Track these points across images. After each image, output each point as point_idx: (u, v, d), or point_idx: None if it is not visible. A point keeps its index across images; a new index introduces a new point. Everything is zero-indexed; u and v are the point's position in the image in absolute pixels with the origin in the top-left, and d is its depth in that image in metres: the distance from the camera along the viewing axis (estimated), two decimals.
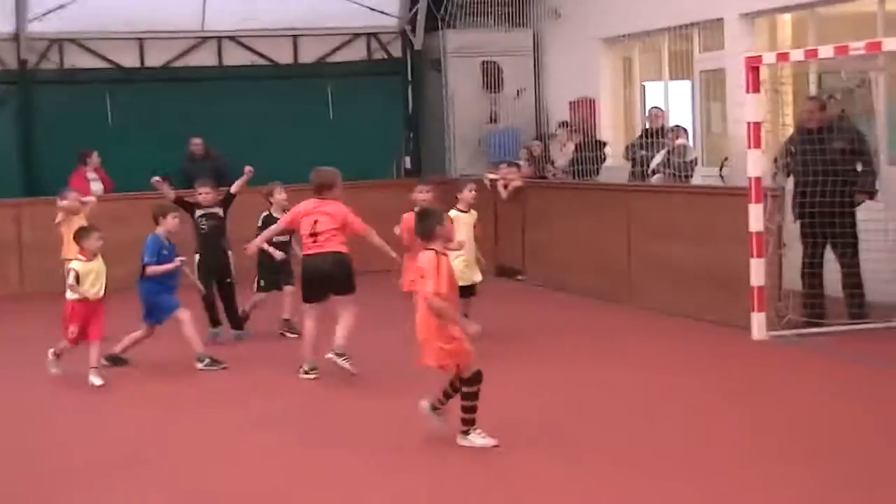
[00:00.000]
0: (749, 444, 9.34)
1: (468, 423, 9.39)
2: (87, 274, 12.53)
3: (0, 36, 22.69)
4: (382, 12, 24.78)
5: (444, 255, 9.35)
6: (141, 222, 19.52)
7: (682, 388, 11.34)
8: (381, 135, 24.46)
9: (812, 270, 14.10)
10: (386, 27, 25.05)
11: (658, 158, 18.34)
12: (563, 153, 20.99)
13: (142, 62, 23.83)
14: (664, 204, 15.97)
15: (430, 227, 9.43)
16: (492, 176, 19.68)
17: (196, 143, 22.18)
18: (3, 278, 19.99)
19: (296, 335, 14.10)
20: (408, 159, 24.92)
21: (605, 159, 20.05)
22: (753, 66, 13.80)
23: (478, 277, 13.87)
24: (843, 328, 13.74)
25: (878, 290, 14.24)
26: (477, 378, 9.30)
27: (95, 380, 12.43)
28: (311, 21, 24.49)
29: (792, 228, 14.27)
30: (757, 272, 13.52)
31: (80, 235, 12.84)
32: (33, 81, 23.01)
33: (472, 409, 9.38)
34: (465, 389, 9.34)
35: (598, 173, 19.60)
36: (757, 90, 13.82)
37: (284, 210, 14.19)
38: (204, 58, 24.14)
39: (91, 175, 21.21)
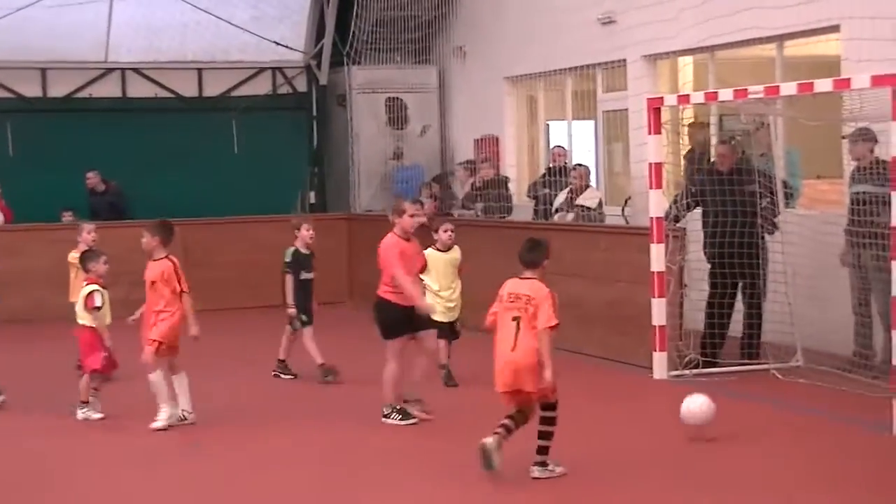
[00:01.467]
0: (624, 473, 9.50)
1: (546, 453, 9.52)
2: (104, 300, 12.30)
3: None
4: (288, 47, 24.80)
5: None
6: (37, 253, 19.60)
7: (578, 420, 11.46)
8: (286, 169, 24.45)
9: (721, 311, 14.27)
10: (291, 62, 25.07)
11: (561, 197, 18.49)
12: (463, 190, 21.07)
13: (44, 92, 23.63)
14: (568, 242, 16.11)
15: (540, 256, 9.83)
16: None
17: (90, 176, 22.02)
18: None
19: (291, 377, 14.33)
20: (312, 194, 24.91)
21: (510, 196, 20.15)
22: (655, 108, 14.02)
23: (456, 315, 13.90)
24: (740, 368, 13.92)
25: (774, 331, 14.48)
26: (556, 404, 9.58)
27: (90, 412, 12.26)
28: (217, 54, 24.47)
29: (693, 268, 14.46)
30: (659, 312, 13.69)
31: (87, 258, 12.59)
32: None
33: (551, 436, 9.50)
34: (549, 414, 9.54)
35: (509, 212, 19.67)
36: (658, 131, 14.02)
37: (308, 246, 14.41)
38: (108, 89, 23.99)
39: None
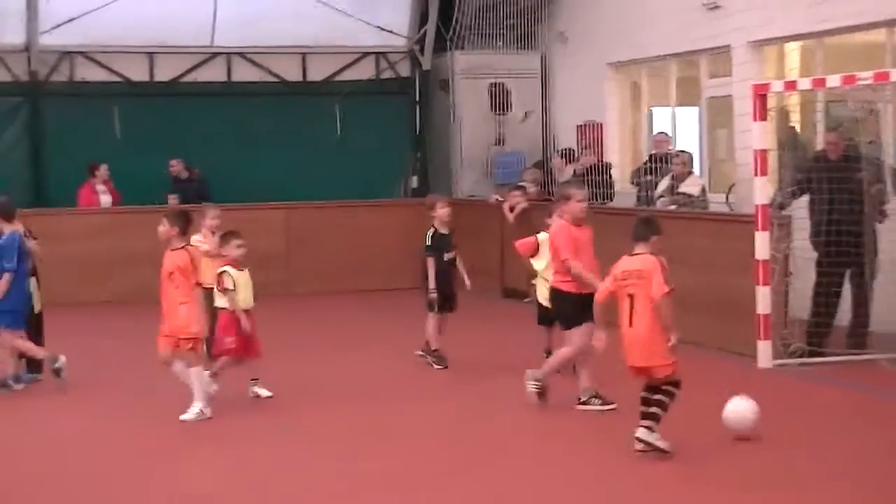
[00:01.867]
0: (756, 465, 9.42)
1: (655, 419, 9.56)
2: (239, 283, 12.10)
3: (11, 48, 22.77)
4: (392, 32, 24.88)
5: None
6: (145, 234, 19.81)
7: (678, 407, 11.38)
8: (389, 154, 24.53)
9: (828, 299, 14.10)
10: (395, 47, 25.13)
11: (663, 184, 18.36)
12: (560, 177, 20.98)
13: (151, 76, 23.89)
14: (670, 230, 15.98)
15: (649, 231, 9.91)
16: (497, 197, 19.72)
17: (174, 164, 22.22)
18: None
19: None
20: (414, 179, 24.98)
21: (612, 183, 20.06)
22: (761, 94, 13.87)
23: None
24: (846, 358, 13.75)
25: (882, 321, 14.28)
26: (679, 383, 9.77)
27: (262, 391, 12.22)
28: (321, 39, 24.57)
29: (799, 256, 14.30)
30: (763, 300, 13.57)
31: (222, 239, 12.45)
32: (43, 94, 23.07)
33: (666, 406, 9.69)
34: (670, 389, 9.72)
35: (611, 198, 19.58)
36: (764, 118, 13.88)
37: (446, 224, 13.97)
38: (213, 73, 24.20)
39: (100, 187, 21.34)
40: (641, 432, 9.65)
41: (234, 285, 11.97)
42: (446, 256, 13.80)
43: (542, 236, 12.99)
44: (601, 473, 9.51)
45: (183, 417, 11.33)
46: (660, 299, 9.57)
